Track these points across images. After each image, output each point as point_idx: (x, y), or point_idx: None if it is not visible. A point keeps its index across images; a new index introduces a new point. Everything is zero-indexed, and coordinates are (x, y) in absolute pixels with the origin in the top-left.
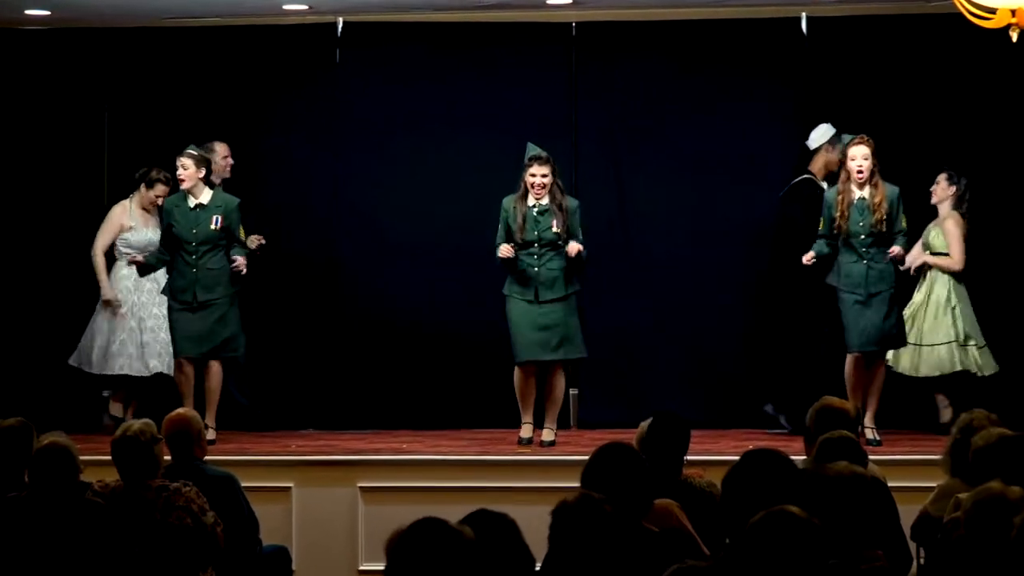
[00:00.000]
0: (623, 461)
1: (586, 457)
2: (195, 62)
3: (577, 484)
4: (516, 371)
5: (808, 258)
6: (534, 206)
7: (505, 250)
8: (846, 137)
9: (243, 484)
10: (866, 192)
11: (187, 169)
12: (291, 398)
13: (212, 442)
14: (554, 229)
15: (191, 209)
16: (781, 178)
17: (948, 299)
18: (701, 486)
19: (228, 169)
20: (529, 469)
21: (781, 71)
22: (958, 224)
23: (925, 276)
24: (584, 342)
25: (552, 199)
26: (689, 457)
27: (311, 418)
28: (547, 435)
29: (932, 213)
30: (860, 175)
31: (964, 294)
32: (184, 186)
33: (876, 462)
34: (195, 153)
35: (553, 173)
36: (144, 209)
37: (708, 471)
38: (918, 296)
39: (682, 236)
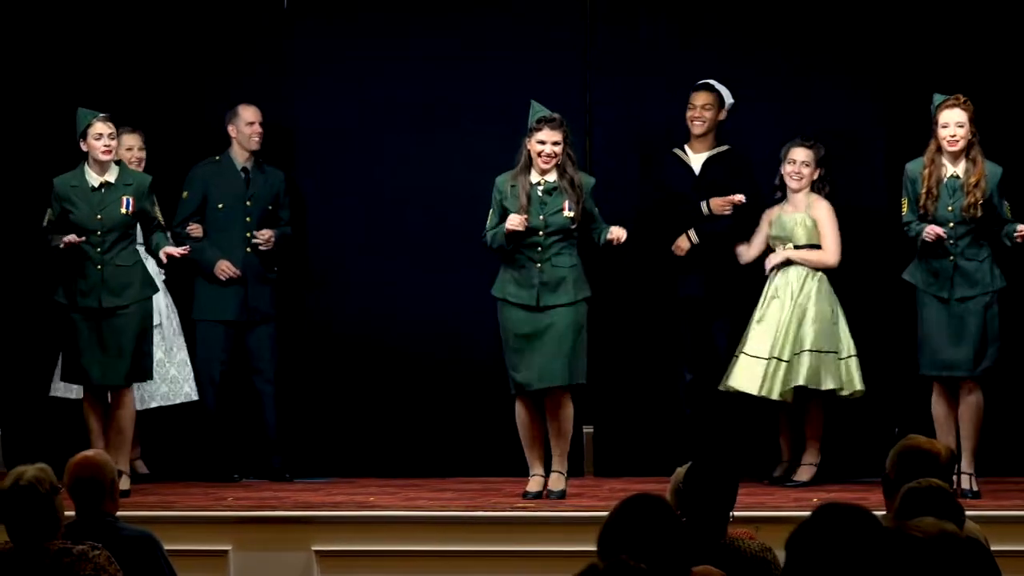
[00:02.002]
0: (652, 518)
1: (605, 513)
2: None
3: (593, 548)
4: (517, 405)
5: (932, 234)
6: (539, 183)
7: (517, 220)
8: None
9: (167, 547)
10: (960, 168)
11: (113, 139)
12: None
13: (127, 493)
14: (565, 213)
15: (93, 189)
16: (862, 157)
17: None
18: (752, 550)
19: (256, 139)
20: (531, 529)
21: (859, 23)
22: (830, 208)
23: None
24: (586, 366)
25: (562, 174)
26: (737, 513)
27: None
28: (556, 482)
29: None
30: (953, 142)
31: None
32: (106, 158)
33: (974, 519)
34: (110, 118)
35: (565, 141)
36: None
37: (761, 531)
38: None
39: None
